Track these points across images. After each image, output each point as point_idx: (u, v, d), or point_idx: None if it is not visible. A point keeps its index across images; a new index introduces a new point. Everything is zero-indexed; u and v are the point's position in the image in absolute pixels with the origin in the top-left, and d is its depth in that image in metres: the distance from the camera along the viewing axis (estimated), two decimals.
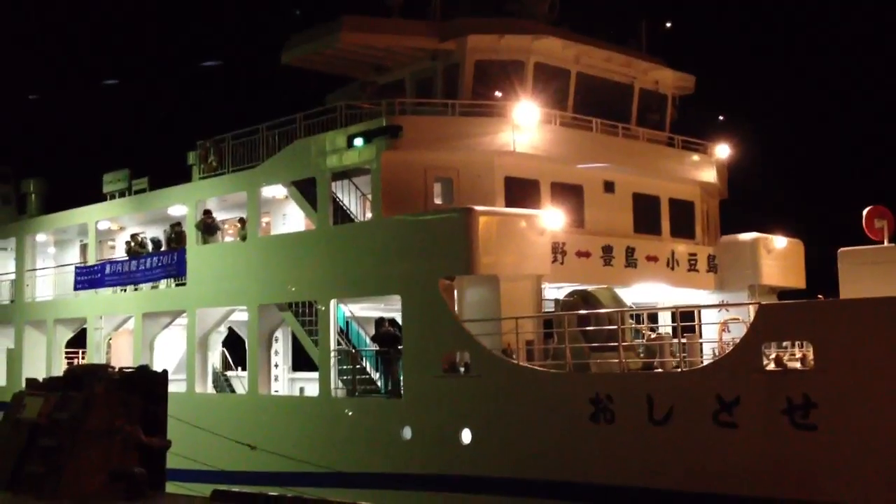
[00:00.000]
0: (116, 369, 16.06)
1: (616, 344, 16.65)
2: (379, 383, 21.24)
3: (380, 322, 21.96)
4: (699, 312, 17.53)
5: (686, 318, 18.23)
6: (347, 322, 23.55)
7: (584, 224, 23.05)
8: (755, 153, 33.30)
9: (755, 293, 24.42)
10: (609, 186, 23.91)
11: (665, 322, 24.42)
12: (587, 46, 23.70)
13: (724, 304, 22.18)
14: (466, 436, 18.14)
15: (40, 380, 16.27)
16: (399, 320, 20.77)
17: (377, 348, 21.35)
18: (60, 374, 17.42)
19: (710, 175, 25.93)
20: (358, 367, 21.44)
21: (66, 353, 31.86)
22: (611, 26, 25.86)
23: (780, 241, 25.14)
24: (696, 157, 25.70)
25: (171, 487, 14.88)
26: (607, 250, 22.53)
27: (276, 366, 28.04)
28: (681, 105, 27.42)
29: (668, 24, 26.65)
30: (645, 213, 24.58)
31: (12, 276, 33.33)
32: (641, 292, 24.26)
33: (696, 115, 30.85)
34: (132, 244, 27.84)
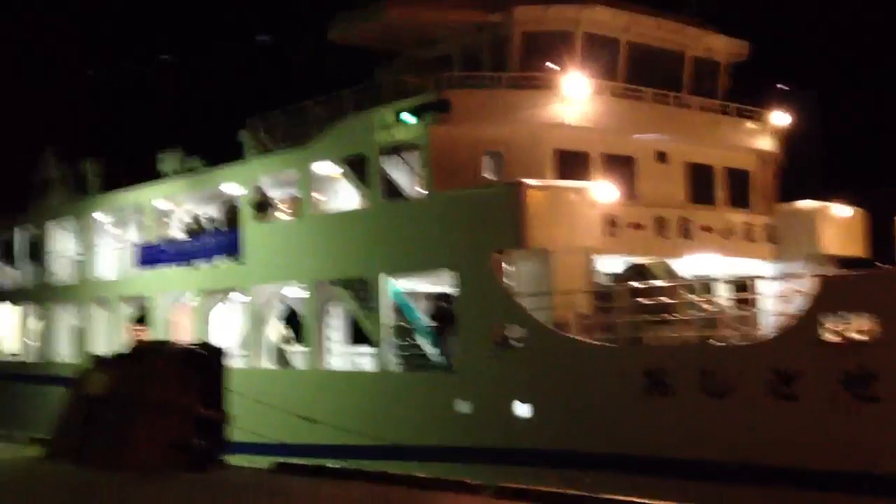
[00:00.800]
0: (176, 345, 16.53)
1: (670, 317, 16.53)
2: (433, 358, 21.38)
3: (435, 297, 22.08)
4: (753, 283, 17.27)
5: (743, 290, 18.02)
6: (401, 297, 23.71)
7: (637, 195, 22.84)
8: (815, 120, 32.50)
9: (814, 262, 24.00)
10: (661, 157, 23.63)
11: (723, 293, 24.15)
12: (637, 15, 23.37)
13: (783, 275, 21.87)
14: (520, 409, 18.23)
15: (103, 356, 16.84)
16: (450, 295, 20.86)
17: (431, 323, 21.47)
18: (123, 350, 17.98)
19: (765, 143, 25.48)
20: (411, 341, 21.60)
21: (130, 329, 32.65)
22: None
23: (839, 210, 24.64)
24: (751, 125, 25.26)
25: (233, 460, 15.21)
26: (660, 221, 22.32)
27: (334, 340, 28.33)
28: (735, 72, 26.95)
29: None
30: (699, 182, 24.27)
31: (75, 255, 34.13)
32: (697, 263, 24.02)
33: (753, 82, 30.26)
34: (189, 222, 28.30)
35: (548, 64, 22.44)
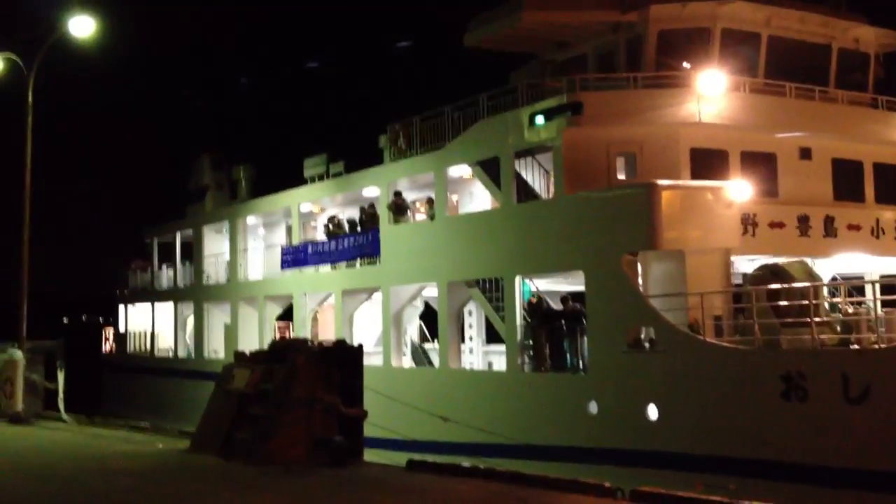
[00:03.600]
0: (316, 343, 17.09)
1: (808, 319, 15.99)
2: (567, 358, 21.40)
3: (565, 299, 22.09)
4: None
5: (889, 292, 17.24)
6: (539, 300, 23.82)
7: (778, 193, 22.17)
8: None
9: None
10: (805, 153, 22.82)
11: (869, 295, 23.11)
12: (779, 7, 22.62)
13: None
14: (652, 411, 18.04)
15: (248, 353, 17.25)
16: (581, 295, 20.83)
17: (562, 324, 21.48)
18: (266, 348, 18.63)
19: None
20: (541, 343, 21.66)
21: (279, 326, 34.13)
22: None
23: None
24: None
25: (366, 455, 15.70)
26: (803, 220, 21.58)
27: (471, 339, 28.72)
28: (887, 63, 25.69)
29: None
30: (846, 179, 23.29)
31: (227, 257, 35.94)
32: (845, 263, 23.08)
33: None
34: (330, 225, 29.35)
35: (684, 63, 22.06)
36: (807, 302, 16.29)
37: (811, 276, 18.92)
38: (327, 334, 30.50)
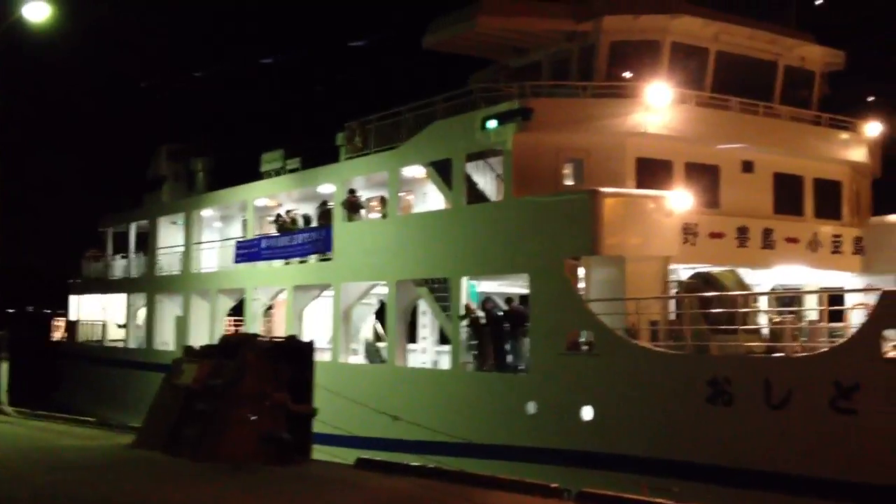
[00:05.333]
0: (266, 339, 16.86)
1: (737, 327, 16.56)
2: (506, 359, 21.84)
3: (509, 300, 22.53)
4: (825, 296, 17.12)
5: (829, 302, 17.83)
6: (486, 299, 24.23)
7: (720, 204, 22.78)
8: None
9: None
10: (748, 166, 23.48)
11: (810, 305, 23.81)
12: (728, 24, 23.25)
13: (845, 289, 21.61)
14: (587, 412, 18.52)
15: (196, 347, 17.01)
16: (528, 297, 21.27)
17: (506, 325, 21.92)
18: (215, 342, 18.48)
19: (859, 154, 24.97)
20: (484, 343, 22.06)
21: (228, 321, 34.21)
22: (759, 1, 25.19)
23: None
24: (844, 136, 24.79)
25: (314, 451, 15.64)
26: (742, 231, 22.24)
27: (424, 338, 29.02)
28: (833, 81, 26.45)
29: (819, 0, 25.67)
30: (786, 193, 23.99)
31: (182, 249, 35.95)
32: (783, 275, 23.76)
33: (854, 92, 29.57)
34: (284, 220, 29.53)
35: (632, 73, 22.60)
36: (735, 309, 16.88)
37: (741, 284, 19.55)
38: (281, 330, 30.63)
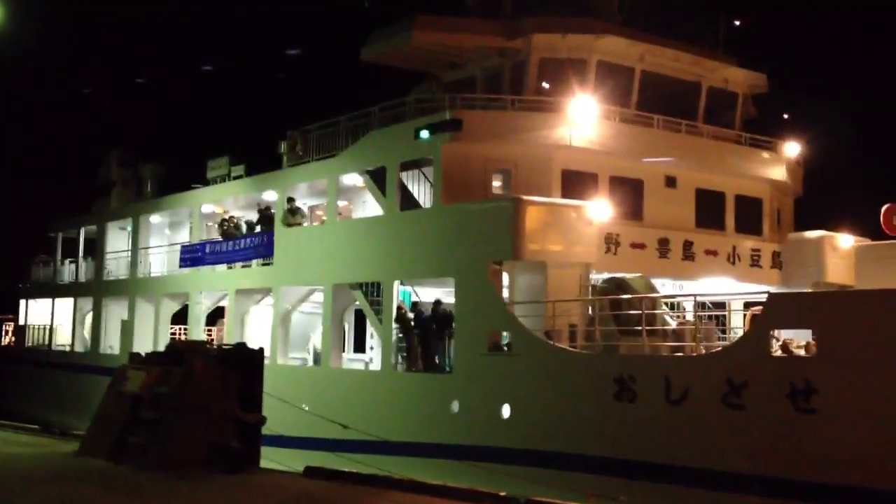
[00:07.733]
0: (214, 346, 16.68)
1: (643, 328, 17.51)
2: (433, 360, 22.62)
3: (437, 302, 23.34)
4: (728, 304, 18.11)
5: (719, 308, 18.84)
6: (415, 303, 25.01)
7: (643, 217, 23.79)
8: (841, 151, 32.90)
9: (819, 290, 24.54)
10: (671, 181, 24.52)
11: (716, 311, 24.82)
12: (653, 45, 24.34)
13: (736, 294, 22.87)
14: (506, 410, 19.33)
15: (143, 354, 16.79)
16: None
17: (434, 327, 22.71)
18: (164, 346, 17.63)
19: (779, 173, 26.15)
20: (411, 344, 22.84)
21: (170, 327, 34.58)
22: (687, 24, 26.36)
23: (846, 240, 25.16)
24: (765, 155, 25.98)
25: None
26: (663, 243, 23.26)
27: (372, 348, 29.54)
28: (757, 103, 27.67)
29: (737, 22, 26.92)
30: (708, 208, 25.07)
31: (129, 254, 36.29)
32: (704, 285, 24.78)
33: (778, 113, 30.86)
34: (227, 225, 30.14)
35: (560, 89, 23.58)
36: (641, 311, 17.84)
37: (651, 289, 20.53)
38: (222, 333, 31.13)
